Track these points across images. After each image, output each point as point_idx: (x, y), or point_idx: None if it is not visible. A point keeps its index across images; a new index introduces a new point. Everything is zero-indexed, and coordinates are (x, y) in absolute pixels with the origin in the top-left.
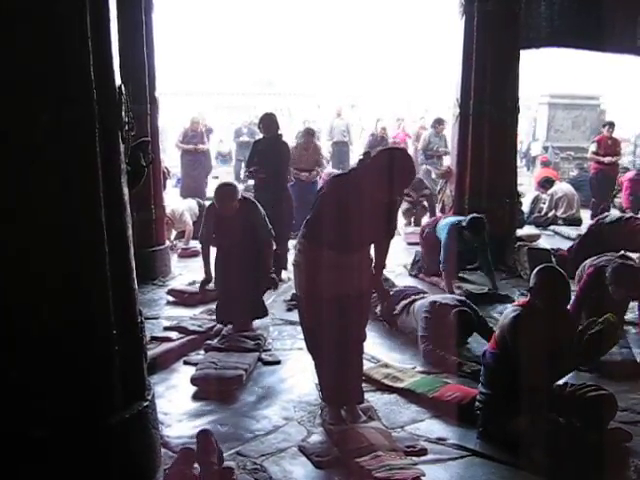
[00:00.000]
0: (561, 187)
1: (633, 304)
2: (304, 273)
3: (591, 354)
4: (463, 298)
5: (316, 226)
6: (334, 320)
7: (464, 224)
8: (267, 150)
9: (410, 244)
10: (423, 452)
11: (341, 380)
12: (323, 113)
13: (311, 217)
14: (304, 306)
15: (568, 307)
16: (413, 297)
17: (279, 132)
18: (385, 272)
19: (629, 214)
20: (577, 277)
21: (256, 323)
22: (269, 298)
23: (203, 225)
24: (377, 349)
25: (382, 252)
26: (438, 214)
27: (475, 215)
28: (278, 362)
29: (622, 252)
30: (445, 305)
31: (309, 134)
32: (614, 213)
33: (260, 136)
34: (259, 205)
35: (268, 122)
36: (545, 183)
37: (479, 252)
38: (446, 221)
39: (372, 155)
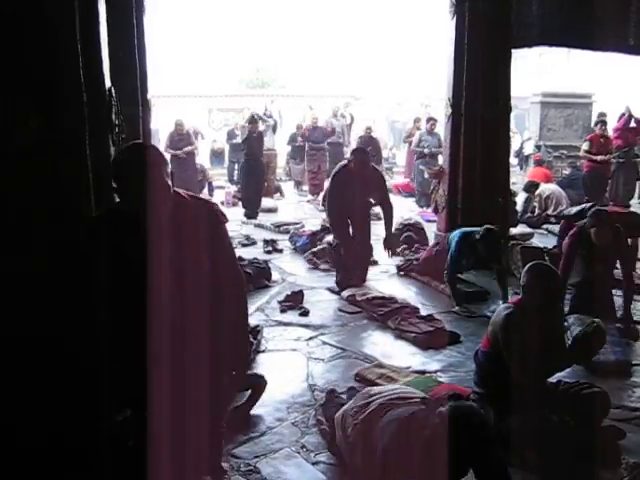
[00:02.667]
0: (547, 187)
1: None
2: None
3: (581, 356)
4: None
5: None
6: None
7: (477, 236)
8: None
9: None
10: None
11: None
12: (315, 114)
13: None
14: None
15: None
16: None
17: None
18: (379, 271)
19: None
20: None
21: (251, 322)
22: (263, 298)
23: None
24: (371, 349)
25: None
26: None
27: (488, 227)
28: None
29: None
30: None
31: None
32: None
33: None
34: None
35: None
36: (530, 187)
37: (497, 274)
38: (458, 231)
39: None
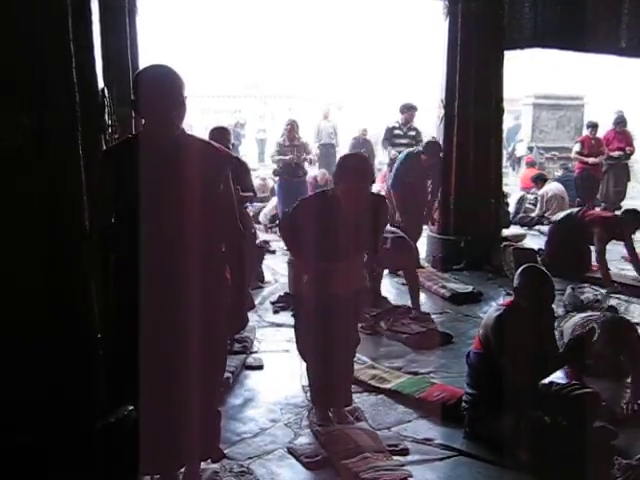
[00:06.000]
0: (551, 187)
1: None
2: (293, 275)
3: (575, 358)
4: None
5: (297, 242)
6: (323, 322)
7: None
8: None
9: None
10: (405, 452)
11: (330, 383)
12: (302, 115)
13: (290, 233)
14: (295, 306)
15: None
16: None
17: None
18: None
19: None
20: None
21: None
22: (255, 299)
23: None
24: (363, 350)
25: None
26: None
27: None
28: (261, 367)
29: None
30: None
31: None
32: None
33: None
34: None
35: (218, 137)
36: (537, 180)
37: None
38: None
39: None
